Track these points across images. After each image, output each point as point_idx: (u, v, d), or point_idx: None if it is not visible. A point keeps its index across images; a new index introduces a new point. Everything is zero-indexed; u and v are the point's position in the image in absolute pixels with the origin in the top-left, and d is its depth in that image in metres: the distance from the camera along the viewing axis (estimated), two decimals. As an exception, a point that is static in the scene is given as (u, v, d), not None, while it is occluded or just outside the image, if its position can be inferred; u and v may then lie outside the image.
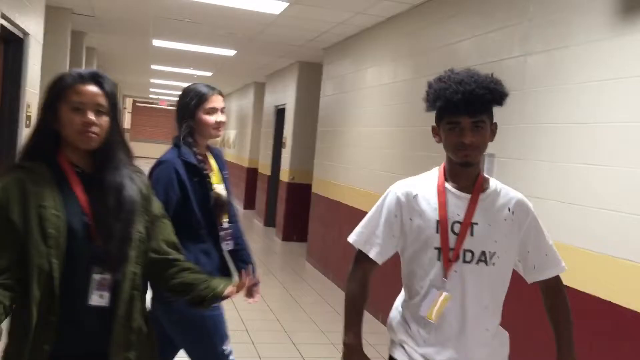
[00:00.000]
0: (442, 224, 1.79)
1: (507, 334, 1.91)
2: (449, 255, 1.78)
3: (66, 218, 1.62)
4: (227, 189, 2.64)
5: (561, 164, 3.19)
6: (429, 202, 1.82)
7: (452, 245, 1.78)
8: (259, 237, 9.93)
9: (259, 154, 12.33)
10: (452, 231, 1.79)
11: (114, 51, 10.36)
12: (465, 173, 1.83)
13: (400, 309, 1.92)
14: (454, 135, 1.75)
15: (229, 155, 15.96)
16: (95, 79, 1.69)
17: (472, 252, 1.78)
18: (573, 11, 3.19)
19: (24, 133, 4.96)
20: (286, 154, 9.61)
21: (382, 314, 4.75)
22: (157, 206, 1.84)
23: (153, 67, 11.95)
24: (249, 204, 12.80)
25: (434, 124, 1.85)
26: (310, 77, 9.13)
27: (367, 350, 1.88)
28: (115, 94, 1.72)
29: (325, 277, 7.12)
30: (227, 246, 2.58)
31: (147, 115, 30.50)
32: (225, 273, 2.57)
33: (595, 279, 2.87)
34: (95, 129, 1.66)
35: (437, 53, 4.76)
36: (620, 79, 2.85)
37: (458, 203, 1.81)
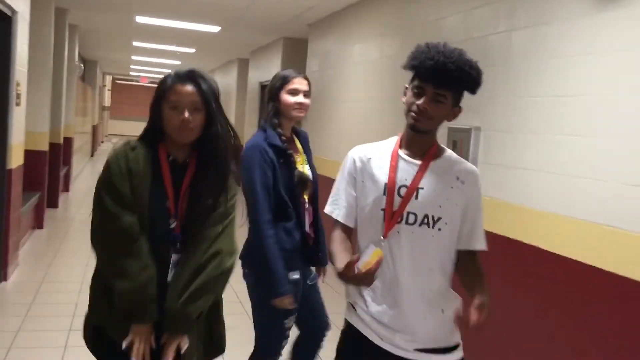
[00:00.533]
0: (389, 187, 1.86)
1: (459, 299, 1.92)
2: (390, 216, 1.84)
3: (151, 199, 1.86)
4: (312, 170, 2.75)
5: (545, 135, 3.33)
6: (380, 167, 1.90)
7: (396, 207, 1.84)
8: (243, 212, 10.03)
9: (244, 131, 12.36)
10: (398, 194, 1.85)
11: (97, 28, 10.27)
12: (419, 141, 1.89)
13: None
14: (414, 99, 1.82)
15: (213, 132, 15.93)
16: (193, 78, 1.87)
17: (415, 214, 1.84)
18: (556, -12, 3.31)
19: (14, 111, 4.98)
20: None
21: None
22: (231, 194, 1.98)
23: (135, 44, 11.87)
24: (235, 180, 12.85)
25: (405, 88, 1.90)
26: (296, 53, 9.16)
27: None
28: (211, 92, 1.89)
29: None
30: (306, 225, 2.68)
31: (127, 93, 30.20)
32: (305, 253, 2.67)
33: (576, 243, 3.03)
34: (190, 125, 1.85)
35: (423, 29, 4.85)
36: (601, 53, 2.98)
37: (408, 169, 1.87)
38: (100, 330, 1.91)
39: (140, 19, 8.64)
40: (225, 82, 14.65)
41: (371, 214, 1.89)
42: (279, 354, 2.74)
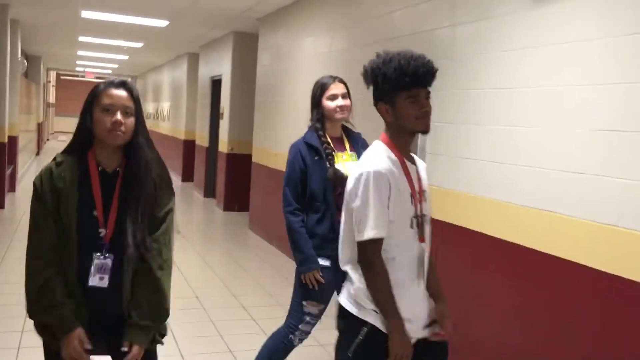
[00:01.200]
0: (413, 195, 2.00)
1: None
2: (420, 221, 2.01)
3: (78, 209, 1.91)
4: None
5: (487, 126, 3.48)
6: (399, 177, 1.97)
7: (419, 212, 2.01)
8: (200, 209, 10.00)
9: (196, 126, 12.27)
10: (419, 201, 2.02)
11: (40, 23, 9.99)
12: (409, 144, 2.03)
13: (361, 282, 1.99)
14: (416, 106, 1.92)
15: (164, 128, 15.77)
16: (124, 85, 1.98)
17: (425, 215, 2.05)
18: (496, -16, 3.45)
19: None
20: (224, 125, 9.65)
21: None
22: (164, 202, 2.03)
23: (81, 39, 11.60)
24: (187, 176, 12.77)
25: (385, 104, 1.97)
26: (246, 47, 9.15)
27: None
28: (139, 99, 2.00)
29: (269, 244, 7.32)
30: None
31: (72, 89, 29.40)
32: (332, 237, 2.74)
33: (518, 229, 3.20)
34: (122, 127, 1.92)
35: (371, 23, 4.96)
36: (537, 47, 3.14)
37: (413, 174, 2.02)
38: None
39: (85, 14, 8.46)
40: (175, 76, 14.48)
41: (403, 223, 1.97)
42: (295, 331, 2.96)
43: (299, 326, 2.95)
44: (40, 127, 17.88)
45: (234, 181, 9.45)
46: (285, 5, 6.93)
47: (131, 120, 1.96)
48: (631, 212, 2.58)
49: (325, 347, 3.90)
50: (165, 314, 2.01)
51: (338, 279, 2.43)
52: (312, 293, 2.90)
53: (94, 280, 1.94)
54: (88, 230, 1.93)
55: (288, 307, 3.05)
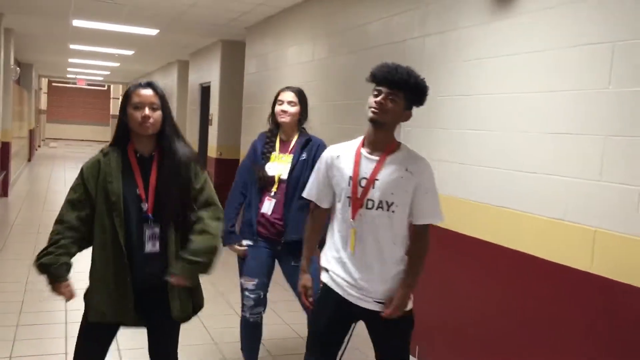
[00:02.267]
0: (353, 179, 2.36)
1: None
2: (355, 202, 2.35)
3: (123, 190, 2.30)
4: (290, 171, 3.23)
5: (454, 130, 3.75)
6: (347, 162, 2.41)
7: (359, 195, 2.33)
8: (190, 213, 10.19)
9: (186, 132, 12.49)
10: (360, 185, 2.35)
11: (33, 31, 10.21)
12: (379, 139, 2.37)
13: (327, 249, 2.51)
14: (373, 98, 2.32)
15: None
16: (150, 85, 2.37)
17: (372, 201, 2.34)
18: (461, -2, 3.72)
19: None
20: (213, 131, 9.88)
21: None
22: (199, 180, 2.43)
23: (72, 46, 11.82)
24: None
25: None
26: (234, 55, 9.41)
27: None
28: (165, 96, 2.40)
29: (256, 246, 7.54)
30: (264, 208, 3.26)
31: (63, 95, 29.53)
32: (269, 233, 3.27)
33: (476, 223, 3.46)
34: (150, 120, 2.31)
35: (350, 33, 5.22)
36: (494, 57, 3.41)
37: (368, 164, 2.37)
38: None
39: (77, 23, 8.69)
40: (165, 83, 14.70)
41: (341, 201, 2.40)
42: (243, 307, 3.32)
43: (243, 302, 3.30)
44: (32, 134, 18.03)
45: (222, 185, 9.66)
46: (271, 15, 7.19)
47: (158, 114, 2.34)
48: (574, 208, 2.84)
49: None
50: (214, 250, 2.33)
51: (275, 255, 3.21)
52: (243, 269, 3.30)
53: (148, 247, 2.31)
54: (133, 206, 2.31)
55: (272, 305, 3.36)
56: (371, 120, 2.32)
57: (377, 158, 2.36)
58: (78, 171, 2.40)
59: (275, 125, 3.33)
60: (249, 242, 3.28)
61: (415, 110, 2.43)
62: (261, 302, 3.28)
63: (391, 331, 2.40)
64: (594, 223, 2.74)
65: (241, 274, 3.31)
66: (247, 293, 3.26)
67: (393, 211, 2.34)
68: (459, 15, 3.76)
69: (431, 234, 2.48)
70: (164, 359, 2.53)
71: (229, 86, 9.51)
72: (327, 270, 2.48)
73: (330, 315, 2.43)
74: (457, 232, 3.63)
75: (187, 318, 2.44)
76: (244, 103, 8.31)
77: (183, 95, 12.88)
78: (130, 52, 12.26)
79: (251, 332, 3.34)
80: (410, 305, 2.43)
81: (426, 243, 2.43)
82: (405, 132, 4.22)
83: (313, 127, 5.89)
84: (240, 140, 8.60)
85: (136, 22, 8.36)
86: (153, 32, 9.10)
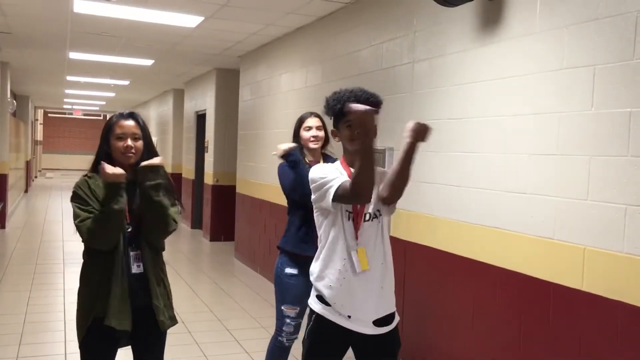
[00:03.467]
0: None
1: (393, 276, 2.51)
2: (356, 217, 2.42)
3: None
4: None
5: (443, 153, 3.83)
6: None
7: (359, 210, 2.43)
8: (187, 240, 10.23)
9: (182, 159, 12.58)
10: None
11: (29, 64, 10.33)
12: (354, 158, 2.43)
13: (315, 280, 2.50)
14: (350, 130, 2.39)
15: (151, 162, 15.99)
16: (132, 116, 2.51)
17: (370, 213, 2.43)
18: (449, 24, 3.83)
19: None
20: (209, 158, 9.96)
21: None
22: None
23: (69, 78, 11.95)
24: (175, 208, 12.97)
25: (334, 129, 2.50)
26: (228, 83, 9.53)
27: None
28: (145, 125, 2.53)
29: (254, 271, 7.58)
30: None
31: (60, 125, 29.67)
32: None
33: (470, 244, 3.51)
34: (132, 150, 2.46)
35: (342, 60, 5.34)
36: (481, 82, 3.51)
37: None
38: (96, 328, 2.42)
39: (73, 55, 8.82)
40: (161, 112, 14.83)
41: (339, 217, 2.40)
42: (281, 333, 3.37)
43: (283, 328, 3.35)
44: (28, 165, 18.09)
45: (219, 212, 9.73)
46: (264, 43, 7.32)
47: (140, 143, 2.49)
48: (563, 226, 2.91)
49: None
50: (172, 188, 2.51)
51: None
52: (286, 298, 3.33)
53: (134, 268, 2.46)
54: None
55: (269, 329, 3.38)
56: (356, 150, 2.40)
57: None
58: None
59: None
60: (294, 271, 3.32)
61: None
62: (299, 329, 3.36)
63: (381, 352, 2.43)
64: (583, 241, 2.80)
65: (283, 302, 3.35)
66: (288, 320, 3.34)
67: (379, 221, 2.45)
68: (445, 42, 3.86)
69: (429, 257, 2.54)
70: None
71: (224, 113, 9.62)
72: (322, 301, 2.45)
73: (327, 346, 2.45)
74: (452, 253, 3.68)
75: (173, 322, 2.60)
76: (239, 130, 8.41)
77: (179, 124, 12.99)
78: (125, 82, 12.39)
79: (283, 355, 3.44)
80: (395, 323, 2.48)
81: None
82: (397, 155, 4.29)
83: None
84: (235, 166, 8.67)
85: (131, 53, 8.49)
86: (148, 62, 9.23)
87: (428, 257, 3.92)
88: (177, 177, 12.78)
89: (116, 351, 2.55)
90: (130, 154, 2.46)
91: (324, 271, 2.43)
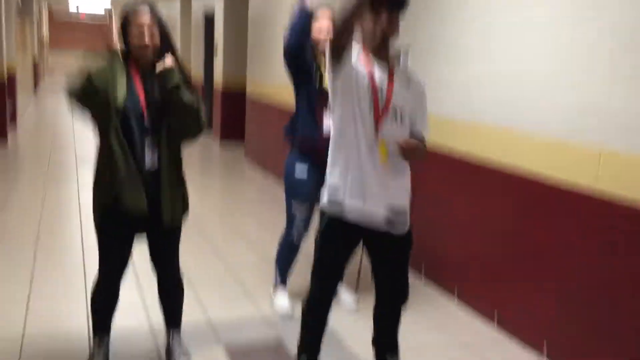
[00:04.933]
0: (373, 86, 2.33)
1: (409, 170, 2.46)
2: (378, 111, 2.33)
3: (126, 100, 2.43)
4: None
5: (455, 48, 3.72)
6: (362, 66, 2.34)
7: (382, 104, 2.33)
8: (198, 142, 10.25)
9: (191, 63, 12.38)
10: (381, 93, 2.35)
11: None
12: (384, 46, 2.37)
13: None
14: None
15: (159, 66, 15.76)
16: (146, 7, 2.48)
17: (392, 109, 2.34)
18: None
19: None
20: (219, 62, 9.79)
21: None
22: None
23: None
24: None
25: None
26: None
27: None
28: (161, 16, 2.52)
29: (265, 172, 7.62)
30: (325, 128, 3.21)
31: (65, 27, 29.08)
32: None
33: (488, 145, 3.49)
34: (147, 44, 2.43)
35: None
36: None
37: (381, 73, 2.36)
38: (112, 212, 2.49)
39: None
40: (168, 14, 14.42)
41: (358, 107, 2.30)
42: (291, 230, 3.43)
43: (293, 225, 3.39)
44: (36, 67, 17.89)
45: (230, 115, 9.68)
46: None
47: (156, 36, 2.46)
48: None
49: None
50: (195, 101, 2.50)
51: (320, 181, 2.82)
52: (296, 194, 3.35)
53: (147, 158, 2.48)
54: (134, 118, 2.46)
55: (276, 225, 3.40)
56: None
57: (387, 66, 2.36)
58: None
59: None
60: (304, 166, 3.32)
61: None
62: (308, 227, 3.39)
63: (394, 249, 2.46)
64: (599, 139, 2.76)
65: (293, 197, 3.37)
66: (298, 216, 3.37)
67: (402, 121, 2.36)
68: None
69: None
70: (166, 263, 2.72)
71: (234, 14, 9.33)
72: (334, 199, 2.40)
73: (338, 245, 2.45)
74: (462, 155, 3.66)
75: (177, 222, 2.63)
76: (250, 29, 8.17)
77: (187, 26, 12.68)
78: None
79: (293, 253, 3.50)
80: (407, 226, 2.46)
81: (422, 146, 2.42)
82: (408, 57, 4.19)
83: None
84: (246, 70, 8.52)
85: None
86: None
87: (445, 163, 3.90)
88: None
89: (133, 237, 2.60)
90: (146, 47, 2.44)
91: (335, 163, 2.39)
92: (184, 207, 2.67)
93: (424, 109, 2.45)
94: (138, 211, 2.46)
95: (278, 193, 6.27)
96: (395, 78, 2.36)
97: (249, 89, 8.34)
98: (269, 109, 7.39)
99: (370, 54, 2.35)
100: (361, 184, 2.33)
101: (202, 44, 11.03)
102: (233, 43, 9.40)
